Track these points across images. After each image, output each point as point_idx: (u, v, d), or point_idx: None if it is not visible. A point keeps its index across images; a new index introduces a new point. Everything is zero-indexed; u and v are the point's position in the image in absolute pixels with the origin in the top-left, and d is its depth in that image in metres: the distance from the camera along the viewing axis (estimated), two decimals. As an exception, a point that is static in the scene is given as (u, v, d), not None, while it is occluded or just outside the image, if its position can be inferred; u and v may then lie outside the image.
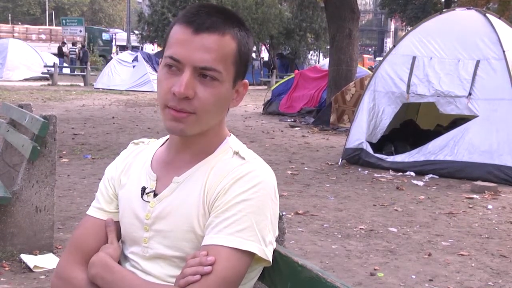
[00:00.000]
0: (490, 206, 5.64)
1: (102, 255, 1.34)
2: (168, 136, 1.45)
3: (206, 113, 1.29)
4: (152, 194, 1.37)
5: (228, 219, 1.25)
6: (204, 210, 1.30)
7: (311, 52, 33.79)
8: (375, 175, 6.99)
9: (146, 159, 1.44)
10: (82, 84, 23.29)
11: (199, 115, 1.29)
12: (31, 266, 3.51)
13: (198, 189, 1.32)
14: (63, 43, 33.35)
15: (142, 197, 1.38)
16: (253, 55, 29.98)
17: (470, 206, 5.66)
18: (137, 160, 1.45)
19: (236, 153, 1.35)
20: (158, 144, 1.49)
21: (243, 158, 1.33)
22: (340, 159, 7.67)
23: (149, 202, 1.36)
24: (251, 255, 1.26)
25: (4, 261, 3.59)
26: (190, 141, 1.36)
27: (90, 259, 1.36)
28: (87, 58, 29.56)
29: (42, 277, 3.43)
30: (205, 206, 1.30)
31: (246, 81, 1.39)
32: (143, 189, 1.38)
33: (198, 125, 1.31)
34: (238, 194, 1.26)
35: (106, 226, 1.40)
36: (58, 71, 23.90)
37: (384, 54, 10.69)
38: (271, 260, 1.30)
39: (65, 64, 29.36)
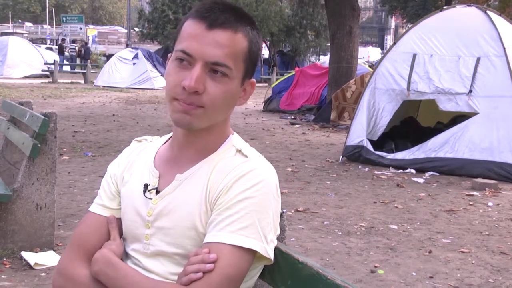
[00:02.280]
0: (490, 203, 5.64)
1: (105, 252, 1.34)
2: (171, 134, 1.45)
3: (214, 108, 1.30)
4: (154, 191, 1.37)
5: (230, 217, 1.25)
6: (206, 207, 1.30)
7: (311, 49, 33.76)
8: (376, 172, 6.99)
9: (149, 157, 1.44)
10: (82, 81, 23.30)
11: (207, 109, 1.29)
12: (32, 263, 3.51)
13: (201, 186, 1.32)
14: (63, 40, 33.36)
15: (144, 194, 1.38)
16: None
17: (471, 203, 5.67)
18: (139, 158, 1.46)
19: (239, 151, 1.35)
20: (161, 141, 1.49)
21: (246, 156, 1.33)
22: (341, 157, 7.67)
23: (151, 199, 1.36)
24: (253, 253, 1.26)
25: (5, 259, 3.59)
26: (194, 139, 1.36)
27: (92, 256, 1.36)
28: (89, 56, 29.61)
29: (43, 274, 3.43)
30: (207, 204, 1.30)
31: (254, 80, 1.40)
32: (146, 186, 1.38)
33: (205, 119, 1.31)
34: (241, 192, 1.26)
35: (108, 223, 1.40)
36: (58, 68, 23.90)
37: (385, 51, 10.67)
38: (272, 258, 1.30)
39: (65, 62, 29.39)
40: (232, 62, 1.28)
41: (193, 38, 1.28)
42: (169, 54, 1.39)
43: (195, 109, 1.28)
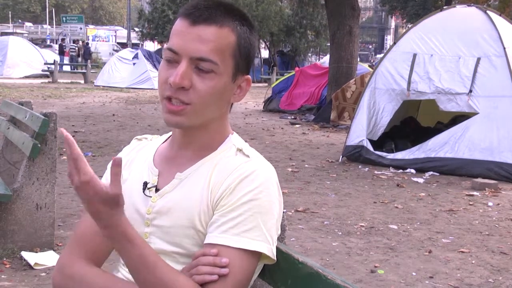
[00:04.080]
0: (490, 203, 5.64)
1: (124, 221, 1.19)
2: (171, 133, 1.45)
3: (202, 104, 1.29)
4: (153, 189, 1.37)
5: (235, 219, 1.25)
6: (208, 207, 1.29)
7: (311, 49, 33.77)
8: (376, 172, 6.99)
9: (148, 155, 1.44)
10: (82, 81, 23.29)
11: (195, 106, 1.28)
12: (32, 263, 3.51)
13: (201, 186, 1.31)
14: (63, 40, 33.41)
15: (143, 191, 1.37)
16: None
17: (471, 203, 5.67)
18: (139, 156, 1.46)
19: (240, 150, 1.35)
20: (161, 140, 1.49)
21: (247, 156, 1.33)
22: (341, 156, 7.67)
23: (151, 197, 1.36)
24: (259, 255, 1.27)
25: (5, 259, 3.59)
26: (192, 137, 1.36)
27: (92, 255, 1.36)
28: (89, 55, 29.68)
29: (43, 274, 3.43)
30: (208, 204, 1.29)
31: (249, 76, 1.39)
32: (145, 183, 1.38)
33: (195, 116, 1.30)
34: (245, 194, 1.26)
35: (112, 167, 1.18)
36: (58, 68, 23.90)
37: (385, 51, 10.68)
38: (275, 259, 1.31)
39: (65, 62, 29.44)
40: (218, 57, 1.27)
41: (178, 35, 1.29)
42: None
43: (183, 108, 1.28)
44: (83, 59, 28.32)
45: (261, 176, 1.28)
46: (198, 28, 1.27)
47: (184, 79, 1.26)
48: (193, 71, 1.27)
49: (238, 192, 1.26)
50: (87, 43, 32.04)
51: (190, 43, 1.26)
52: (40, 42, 41.75)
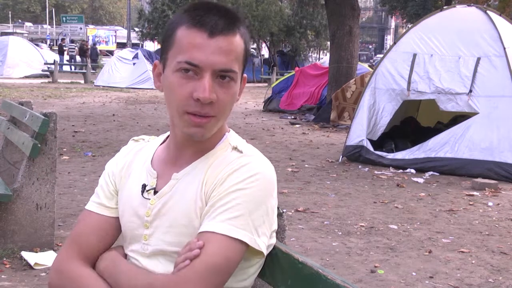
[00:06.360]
0: (490, 203, 5.64)
1: (113, 253, 1.40)
2: (168, 134, 1.45)
3: (224, 114, 1.32)
4: (152, 191, 1.37)
5: (221, 207, 1.26)
6: (202, 203, 1.30)
7: (311, 49, 33.78)
8: (376, 172, 6.99)
9: (146, 157, 1.44)
10: (82, 81, 23.30)
11: (218, 117, 1.30)
12: (32, 263, 3.52)
13: (196, 184, 1.32)
14: (63, 40, 33.43)
15: (142, 194, 1.38)
16: (253, 52, 30.07)
17: (471, 203, 5.67)
18: (137, 158, 1.46)
19: (235, 148, 1.36)
20: (159, 141, 1.49)
21: (241, 152, 1.34)
22: (341, 156, 7.67)
23: (150, 199, 1.36)
24: (243, 245, 1.26)
25: (4, 259, 3.59)
26: (194, 140, 1.36)
27: (90, 255, 1.37)
28: (96, 56, 29.78)
29: (43, 274, 3.43)
30: (203, 199, 1.31)
31: (245, 75, 1.40)
32: (144, 186, 1.39)
33: (216, 126, 1.32)
34: (234, 184, 1.27)
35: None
36: (58, 68, 23.90)
37: (385, 51, 10.68)
38: (264, 252, 1.30)
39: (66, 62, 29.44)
40: (236, 65, 1.29)
41: (196, 47, 1.26)
42: (156, 62, 1.37)
43: (209, 120, 1.28)
44: (91, 60, 28.33)
45: (253, 168, 1.29)
46: (216, 40, 1.26)
47: (212, 93, 1.26)
48: (215, 82, 1.27)
49: (228, 183, 1.28)
50: (94, 44, 32.16)
51: (212, 56, 1.26)
52: (41, 42, 41.79)
